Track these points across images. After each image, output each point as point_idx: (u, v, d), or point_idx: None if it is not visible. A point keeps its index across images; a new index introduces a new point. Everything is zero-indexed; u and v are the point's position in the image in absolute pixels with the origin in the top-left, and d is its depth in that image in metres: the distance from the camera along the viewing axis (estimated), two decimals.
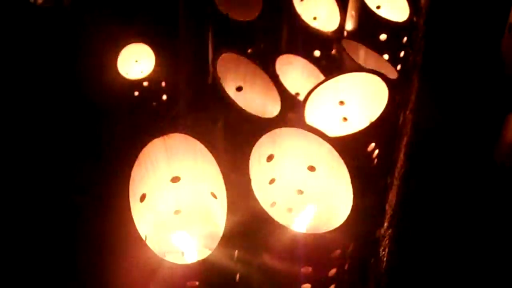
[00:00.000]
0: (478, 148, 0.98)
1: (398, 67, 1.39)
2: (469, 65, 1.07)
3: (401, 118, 1.07)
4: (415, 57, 1.16)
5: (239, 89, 1.14)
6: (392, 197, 0.90)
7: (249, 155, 0.84)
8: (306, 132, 0.89)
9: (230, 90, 1.14)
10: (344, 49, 1.18)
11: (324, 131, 1.08)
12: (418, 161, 0.90)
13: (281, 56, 1.20)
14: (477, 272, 0.93)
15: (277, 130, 0.88)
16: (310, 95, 1.06)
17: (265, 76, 1.11)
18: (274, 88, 1.11)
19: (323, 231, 0.95)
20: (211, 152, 0.77)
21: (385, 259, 0.89)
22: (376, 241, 0.88)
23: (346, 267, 0.84)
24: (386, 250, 0.87)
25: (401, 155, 0.95)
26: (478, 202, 0.95)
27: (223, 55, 1.07)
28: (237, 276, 0.83)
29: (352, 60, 1.17)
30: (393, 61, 1.36)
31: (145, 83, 1.81)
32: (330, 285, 0.86)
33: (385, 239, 0.88)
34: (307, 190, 0.96)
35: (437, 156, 0.92)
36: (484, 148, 0.99)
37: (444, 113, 0.99)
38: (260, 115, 1.13)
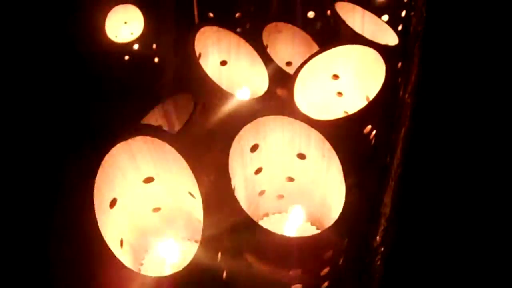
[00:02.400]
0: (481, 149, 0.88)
1: (399, 27, 1.28)
2: (476, 40, 0.95)
3: (400, 100, 0.97)
4: (417, 24, 1.05)
5: (223, 63, 1.04)
6: (387, 199, 0.82)
7: (228, 152, 0.74)
8: (292, 120, 0.79)
9: (214, 65, 1.04)
10: (338, 15, 1.07)
11: (316, 106, 1.01)
12: (416, 161, 0.81)
13: (269, 25, 1.10)
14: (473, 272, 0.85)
15: (260, 119, 0.80)
16: (301, 69, 0.96)
17: (251, 49, 1.01)
18: (261, 61, 1.01)
19: (316, 224, 0.89)
20: (181, 154, 0.68)
21: (379, 261, 0.81)
22: (371, 241, 0.80)
23: (339, 264, 0.77)
24: (382, 250, 0.80)
25: (398, 152, 0.85)
26: (475, 205, 0.86)
27: (203, 28, 0.96)
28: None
29: (347, 27, 1.07)
30: (394, 22, 1.25)
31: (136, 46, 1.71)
32: (323, 284, 0.79)
33: (381, 241, 0.80)
34: (298, 177, 0.89)
35: (436, 155, 0.82)
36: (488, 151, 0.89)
37: (446, 103, 0.88)
38: (247, 89, 1.04)
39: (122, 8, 1.74)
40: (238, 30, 1.26)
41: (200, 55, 1.01)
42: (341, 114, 1.04)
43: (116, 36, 1.75)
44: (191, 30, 0.94)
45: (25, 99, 1.39)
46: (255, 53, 1.03)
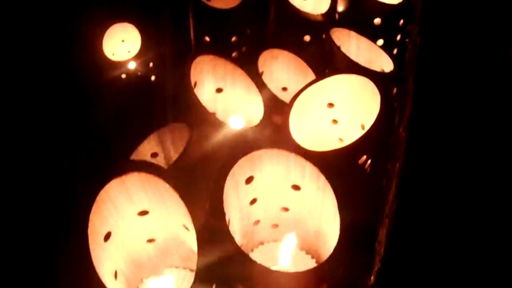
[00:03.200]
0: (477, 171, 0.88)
1: (395, 51, 1.29)
2: (472, 65, 0.96)
3: (395, 129, 0.97)
4: (411, 54, 1.05)
5: (218, 90, 1.05)
6: (382, 236, 0.82)
7: (223, 186, 0.75)
8: (287, 153, 0.80)
9: (209, 92, 1.05)
10: (333, 42, 1.07)
11: (311, 133, 1.02)
12: (410, 196, 0.81)
13: (265, 51, 1.10)
14: None
15: (255, 153, 0.80)
16: (297, 98, 0.96)
17: (246, 76, 1.01)
18: (256, 88, 1.01)
19: (311, 252, 0.89)
20: (174, 190, 0.68)
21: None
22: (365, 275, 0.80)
23: None
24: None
25: (393, 188, 0.85)
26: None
27: (199, 57, 0.96)
28: None
29: (342, 54, 1.07)
30: (389, 46, 1.25)
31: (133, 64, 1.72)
32: None
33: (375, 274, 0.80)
34: (293, 208, 0.89)
35: (430, 189, 0.82)
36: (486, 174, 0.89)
37: (442, 130, 0.88)
38: (241, 117, 1.05)
39: (119, 26, 1.75)
40: (234, 54, 1.27)
41: (195, 83, 1.01)
42: (336, 142, 1.04)
43: (113, 54, 1.75)
44: (186, 59, 0.94)
45: (18, 130, 1.39)
46: (250, 80, 1.02)
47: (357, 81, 0.94)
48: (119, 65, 1.72)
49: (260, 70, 1.11)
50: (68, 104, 1.55)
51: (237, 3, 1.30)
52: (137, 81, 1.67)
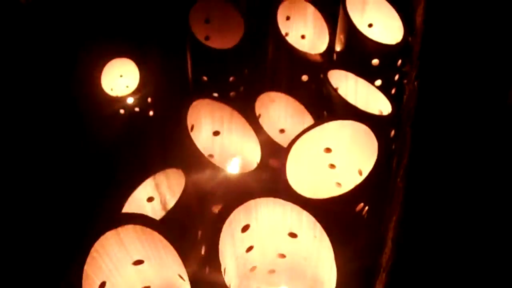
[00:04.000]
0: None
1: (393, 91, 1.29)
2: (470, 110, 0.96)
3: (392, 176, 0.97)
4: (409, 94, 1.05)
5: (216, 133, 1.05)
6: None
7: (219, 236, 0.74)
8: (284, 202, 0.79)
9: (206, 135, 1.05)
10: (331, 85, 1.07)
11: (309, 177, 1.01)
12: (408, 249, 0.80)
13: (262, 94, 1.10)
14: None
15: (252, 202, 0.79)
16: (294, 144, 0.96)
17: (243, 120, 1.01)
18: (253, 132, 1.01)
19: None
20: (169, 241, 0.68)
21: None
22: None
23: None
24: None
25: (389, 241, 0.85)
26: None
27: (196, 101, 0.96)
28: None
29: (340, 97, 1.07)
30: (387, 86, 1.25)
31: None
32: None
33: None
34: (290, 254, 0.88)
35: (428, 240, 0.82)
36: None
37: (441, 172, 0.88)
38: (239, 160, 1.05)
39: (118, 61, 1.75)
40: (232, 93, 1.28)
41: (192, 126, 1.01)
42: (333, 186, 1.04)
43: (111, 89, 1.75)
44: (183, 103, 0.94)
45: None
46: (247, 124, 1.03)
47: (354, 127, 0.94)
48: (118, 100, 1.72)
49: (258, 113, 1.11)
50: (65, 144, 1.55)
51: (235, 43, 1.30)
52: (135, 118, 1.66)
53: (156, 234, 0.70)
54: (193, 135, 1.02)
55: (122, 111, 1.71)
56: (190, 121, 0.99)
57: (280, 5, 1.33)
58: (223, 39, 1.33)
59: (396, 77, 1.29)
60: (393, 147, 1.17)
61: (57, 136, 1.59)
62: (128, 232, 0.71)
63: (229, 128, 1.05)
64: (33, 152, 1.55)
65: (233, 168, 1.01)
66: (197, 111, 1.00)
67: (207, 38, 1.35)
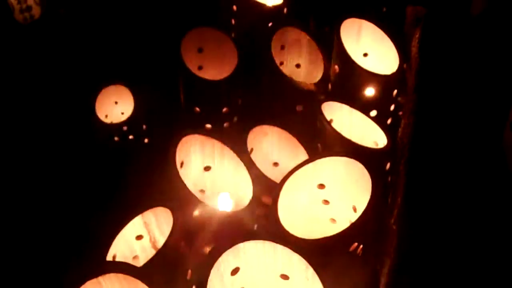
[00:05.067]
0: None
1: (389, 121, 1.26)
2: (465, 145, 0.93)
3: (386, 221, 0.94)
4: (403, 135, 1.03)
5: (207, 168, 1.02)
6: None
7: (206, 280, 0.71)
8: (274, 244, 0.76)
9: (197, 171, 1.02)
10: (325, 118, 1.05)
11: (302, 213, 0.99)
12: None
13: (254, 128, 1.08)
14: None
15: (241, 245, 0.76)
16: (286, 180, 0.94)
17: (234, 155, 0.98)
18: (244, 168, 0.99)
19: None
20: None
21: None
22: None
23: None
24: None
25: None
26: None
27: (186, 137, 0.94)
28: None
29: (334, 130, 1.04)
30: (383, 116, 1.23)
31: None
32: None
33: None
34: None
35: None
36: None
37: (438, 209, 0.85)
38: (231, 195, 1.02)
39: (113, 88, 1.73)
40: (225, 124, 1.25)
41: (182, 163, 0.99)
42: (327, 222, 1.01)
43: (106, 116, 1.73)
44: (172, 141, 0.92)
45: None
46: (238, 159, 1.00)
47: (348, 163, 0.92)
48: (112, 127, 1.70)
49: (250, 147, 1.09)
50: (55, 173, 1.53)
51: (229, 73, 1.28)
52: (129, 146, 1.64)
53: (139, 282, 0.67)
54: (183, 170, 1.00)
55: (116, 138, 1.69)
56: (180, 158, 0.96)
57: (275, 35, 1.30)
58: (216, 68, 1.31)
59: (392, 107, 1.26)
60: (389, 179, 1.14)
61: (47, 164, 1.57)
62: (110, 280, 0.68)
63: (220, 164, 1.03)
64: (24, 182, 1.52)
65: (224, 205, 0.98)
66: (187, 147, 0.97)
67: (200, 68, 1.33)
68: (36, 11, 2.21)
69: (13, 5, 2.14)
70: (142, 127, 1.71)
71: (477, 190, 0.88)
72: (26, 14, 2.20)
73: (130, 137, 1.70)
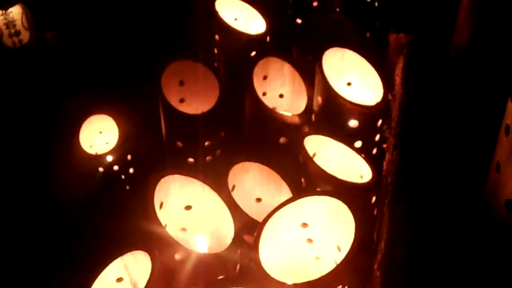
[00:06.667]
0: None
1: (374, 150, 1.24)
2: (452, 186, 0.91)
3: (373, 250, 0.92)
4: (387, 173, 1.01)
5: (187, 208, 1.00)
6: None
7: None
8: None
9: (178, 211, 1.00)
10: (307, 153, 1.03)
11: (286, 252, 0.96)
12: None
13: (235, 165, 1.06)
14: None
15: None
16: (268, 220, 0.91)
17: (215, 194, 0.96)
18: (226, 207, 0.97)
19: None
20: None
21: None
22: None
23: None
24: None
25: None
26: None
27: (165, 178, 0.92)
28: None
29: (316, 166, 1.02)
30: (368, 147, 1.21)
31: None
32: None
33: None
34: None
35: None
36: None
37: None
38: (212, 238, 1.00)
39: (96, 118, 1.72)
40: (208, 158, 1.23)
41: (162, 204, 0.96)
42: (312, 260, 0.99)
43: (91, 146, 1.71)
44: (150, 183, 0.90)
45: None
46: (219, 198, 0.98)
47: (331, 202, 0.89)
48: (96, 157, 1.68)
49: (232, 184, 1.06)
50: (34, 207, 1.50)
51: (211, 105, 1.26)
52: (113, 178, 1.62)
53: None
54: (163, 211, 0.98)
55: (101, 169, 1.67)
56: (159, 199, 0.94)
57: (256, 65, 1.29)
58: (198, 101, 1.29)
59: (377, 137, 1.24)
60: (375, 212, 1.12)
61: (27, 197, 1.55)
62: None
63: (201, 203, 1.01)
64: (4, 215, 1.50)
65: (203, 246, 0.96)
66: (166, 187, 0.95)
67: (182, 101, 1.31)
68: (25, 35, 2.21)
69: (2, 30, 2.13)
70: (127, 157, 1.69)
71: (462, 232, 0.86)
72: (15, 39, 2.20)
73: (115, 167, 1.67)
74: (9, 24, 2.16)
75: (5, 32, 2.09)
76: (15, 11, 2.09)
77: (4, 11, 2.07)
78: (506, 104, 0.81)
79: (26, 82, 1.95)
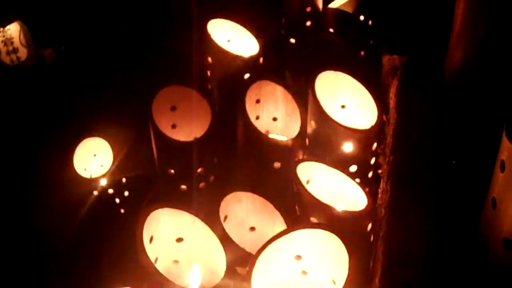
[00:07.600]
0: None
1: (370, 174, 1.23)
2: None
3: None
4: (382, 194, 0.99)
5: (179, 240, 0.98)
6: None
7: None
8: None
9: (169, 243, 0.98)
10: (300, 183, 1.01)
11: (280, 284, 0.94)
12: None
13: (227, 196, 1.04)
14: None
15: None
16: (261, 253, 0.89)
17: (206, 226, 0.94)
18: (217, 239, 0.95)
19: None
20: None
21: None
22: None
23: None
24: None
25: None
26: None
27: (154, 211, 0.90)
28: None
29: (310, 195, 1.01)
30: (363, 171, 1.19)
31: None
32: None
33: None
34: None
35: None
36: None
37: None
38: (205, 270, 0.98)
39: (90, 140, 1.70)
40: (201, 184, 1.21)
41: (152, 237, 0.94)
42: None
43: (85, 169, 1.69)
44: (138, 218, 0.88)
45: None
46: (211, 231, 0.96)
47: (324, 235, 0.87)
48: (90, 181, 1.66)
49: (224, 214, 1.05)
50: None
51: (203, 131, 1.24)
52: (106, 204, 1.60)
53: None
54: (153, 245, 0.96)
55: (95, 192, 1.65)
56: (148, 233, 0.92)
57: (248, 89, 1.27)
58: (190, 127, 1.27)
59: (372, 161, 1.23)
60: (372, 238, 1.10)
61: (16, 222, 1.53)
62: None
63: (192, 235, 0.99)
64: None
65: (197, 278, 0.94)
66: (156, 221, 0.93)
67: (174, 126, 1.30)
68: (23, 53, 2.20)
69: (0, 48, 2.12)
70: (121, 180, 1.67)
71: (457, 269, 0.84)
72: (13, 56, 2.19)
73: (110, 191, 1.65)
74: (7, 41, 2.15)
75: (3, 49, 2.09)
76: (13, 29, 2.08)
77: (2, 29, 2.06)
78: (501, 140, 0.79)
79: (21, 102, 1.94)
